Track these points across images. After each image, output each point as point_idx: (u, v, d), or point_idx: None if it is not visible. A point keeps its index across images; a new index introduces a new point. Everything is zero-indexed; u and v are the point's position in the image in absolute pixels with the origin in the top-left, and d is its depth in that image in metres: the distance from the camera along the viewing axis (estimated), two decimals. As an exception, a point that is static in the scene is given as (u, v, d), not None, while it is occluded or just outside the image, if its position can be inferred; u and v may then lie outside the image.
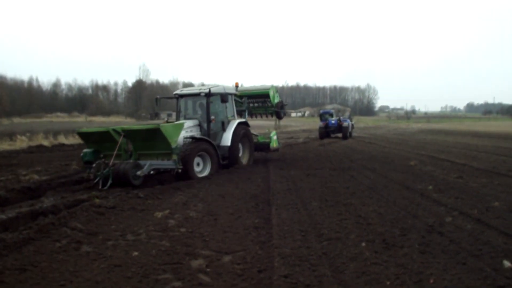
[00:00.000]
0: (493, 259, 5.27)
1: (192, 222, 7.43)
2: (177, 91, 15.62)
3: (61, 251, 5.88)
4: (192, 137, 13.30)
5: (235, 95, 16.37)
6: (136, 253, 5.76)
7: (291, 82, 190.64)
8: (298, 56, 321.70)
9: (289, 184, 11.16)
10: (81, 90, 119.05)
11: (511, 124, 78.77)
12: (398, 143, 28.21)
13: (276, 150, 18.71)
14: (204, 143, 13.29)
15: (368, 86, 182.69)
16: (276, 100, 18.50)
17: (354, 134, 39.36)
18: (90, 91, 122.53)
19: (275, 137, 18.21)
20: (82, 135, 12.72)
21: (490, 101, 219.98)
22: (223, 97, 14.30)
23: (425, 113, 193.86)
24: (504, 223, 6.89)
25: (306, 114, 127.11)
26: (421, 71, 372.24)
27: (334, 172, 13.36)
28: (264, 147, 17.79)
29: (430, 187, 10.35)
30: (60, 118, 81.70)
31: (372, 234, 6.46)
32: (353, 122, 40.55)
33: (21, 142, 24.14)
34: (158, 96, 16.66)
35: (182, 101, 15.27)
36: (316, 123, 44.09)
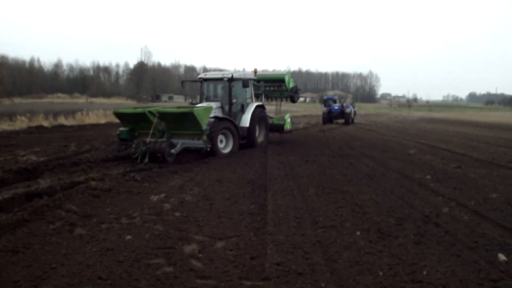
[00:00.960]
0: (488, 252, 5.25)
1: (187, 206, 7.40)
2: (201, 75, 16.86)
3: (54, 233, 5.87)
4: (216, 117, 14.31)
5: (254, 80, 17.44)
6: (129, 236, 5.75)
7: (293, 68, 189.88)
8: (300, 41, 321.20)
9: (287, 170, 11.10)
10: (82, 71, 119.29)
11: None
12: (399, 131, 28.16)
13: (290, 131, 19.92)
14: (227, 122, 14.57)
15: (370, 73, 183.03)
16: (291, 85, 19.81)
17: (355, 120, 40.50)
18: (91, 72, 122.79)
19: (289, 120, 19.57)
20: (118, 115, 14.13)
21: (493, 91, 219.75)
22: (245, 82, 15.55)
23: (427, 102, 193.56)
24: (501, 216, 6.86)
25: (308, 99, 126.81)
26: (424, 59, 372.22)
27: (333, 159, 13.30)
28: (278, 128, 19.08)
29: (428, 176, 10.31)
30: (61, 99, 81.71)
31: (367, 223, 6.44)
32: (355, 109, 41.94)
33: (21, 123, 23.98)
34: (184, 80, 18.54)
35: (205, 85, 16.50)
36: (317, 109, 45.89)
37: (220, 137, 14.09)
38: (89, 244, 5.48)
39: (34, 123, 24.39)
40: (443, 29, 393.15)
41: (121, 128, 13.67)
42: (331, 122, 36.40)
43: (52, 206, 6.96)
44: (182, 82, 18.13)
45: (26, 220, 6.26)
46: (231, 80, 15.37)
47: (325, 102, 39.62)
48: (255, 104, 16.80)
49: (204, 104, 15.14)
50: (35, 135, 19.98)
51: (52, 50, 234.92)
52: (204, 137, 12.56)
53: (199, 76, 16.99)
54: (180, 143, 12.59)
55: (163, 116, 13.04)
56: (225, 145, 14.41)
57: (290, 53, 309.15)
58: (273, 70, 27.68)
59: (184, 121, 12.71)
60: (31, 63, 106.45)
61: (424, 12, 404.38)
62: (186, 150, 12.93)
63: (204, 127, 12.52)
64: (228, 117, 14.95)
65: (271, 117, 19.17)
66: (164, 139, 12.67)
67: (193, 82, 19.29)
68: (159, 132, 13.18)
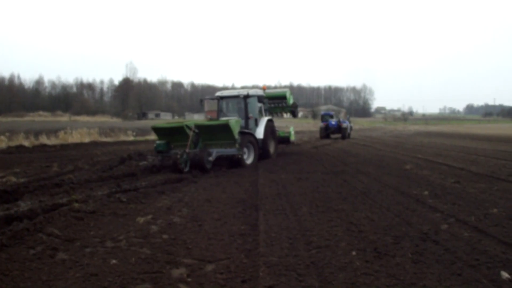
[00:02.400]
0: (490, 269, 5.06)
1: (176, 228, 7.19)
2: (218, 94, 18.99)
3: (35, 258, 5.61)
4: (241, 131, 15.95)
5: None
6: (114, 261, 5.52)
7: (284, 82, 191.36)
8: (291, 56, 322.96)
9: (279, 189, 10.94)
10: (65, 88, 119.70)
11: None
12: (394, 146, 28.08)
13: (293, 142, 22.68)
14: (250, 136, 16.70)
15: (364, 86, 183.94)
16: (291, 101, 22.23)
17: (351, 135, 42.35)
18: (74, 89, 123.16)
19: (293, 132, 22.03)
20: (157, 129, 15.96)
21: (491, 102, 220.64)
22: (260, 98, 18.42)
23: (423, 115, 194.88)
24: (503, 231, 6.67)
25: (300, 115, 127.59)
26: (419, 71, 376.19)
27: (327, 176, 13.13)
28: (285, 140, 21.43)
29: (426, 192, 10.13)
30: (42, 117, 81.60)
31: (363, 242, 6.24)
32: (351, 124, 44.24)
33: (0, 142, 23.83)
34: (202, 98, 21.38)
35: (223, 102, 18.69)
36: (310, 124, 48.40)
37: (244, 149, 15.91)
38: (72, 270, 5.24)
39: (14, 143, 24.32)
40: (438, 40, 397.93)
41: (158, 142, 15.43)
42: (328, 137, 38.26)
43: (33, 230, 6.68)
44: (201, 100, 21.04)
45: (4, 245, 5.98)
46: (247, 97, 17.56)
47: (322, 117, 42.25)
48: (266, 118, 18.84)
49: (235, 117, 17.03)
50: (15, 155, 19.83)
51: (33, 66, 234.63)
52: (237, 145, 14.72)
53: (217, 94, 19.00)
54: (215, 152, 14.50)
55: (199, 128, 15.01)
56: (247, 156, 16.30)
57: (280, 68, 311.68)
58: (275, 87, 30.62)
59: (218, 132, 14.73)
60: (11, 79, 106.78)
61: (418, 24, 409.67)
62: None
63: (236, 136, 14.64)
64: (250, 131, 17.00)
65: (277, 130, 20.58)
66: (203, 149, 14.58)
67: (211, 99, 20.50)
68: (192, 143, 14.84)
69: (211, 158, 14.20)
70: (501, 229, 6.84)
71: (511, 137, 36.61)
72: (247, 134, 16.33)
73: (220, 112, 18.66)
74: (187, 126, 14.89)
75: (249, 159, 16.29)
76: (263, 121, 18.37)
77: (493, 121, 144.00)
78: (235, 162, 15.39)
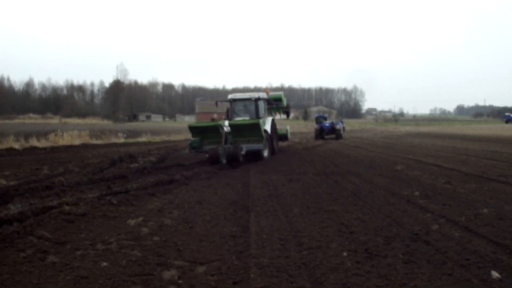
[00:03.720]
0: (480, 269, 5.10)
1: (167, 230, 7.16)
2: (231, 97, 21.24)
3: (25, 261, 5.57)
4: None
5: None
6: (105, 263, 5.49)
7: (275, 84, 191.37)
8: (282, 58, 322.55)
9: (270, 190, 10.95)
10: (55, 91, 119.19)
11: (502, 127, 79.20)
12: (385, 147, 28.10)
13: (288, 139, 26.47)
14: (267, 133, 19.02)
15: (355, 88, 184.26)
16: (285, 103, 25.02)
17: (344, 136, 44.75)
18: (65, 91, 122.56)
19: (289, 130, 25.20)
20: (192, 128, 18.40)
21: (481, 103, 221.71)
22: (269, 101, 22.00)
23: (414, 116, 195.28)
24: (493, 231, 6.70)
25: (291, 116, 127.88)
26: (410, 73, 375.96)
27: (318, 177, 13.14)
28: (283, 137, 24.54)
29: (417, 193, 10.15)
30: (32, 120, 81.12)
31: (354, 243, 6.25)
32: (344, 125, 47.63)
33: (-11, 145, 23.62)
34: (218, 100, 23.67)
35: (235, 104, 20.90)
36: (301, 126, 50.97)
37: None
38: (63, 273, 5.21)
39: (3, 145, 24.00)
40: (429, 41, 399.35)
41: (192, 139, 18.01)
42: (322, 138, 40.42)
43: (23, 233, 6.63)
44: (217, 103, 23.37)
45: (-6, 248, 5.93)
46: (258, 99, 20.21)
47: (317, 119, 44.84)
48: (271, 118, 21.67)
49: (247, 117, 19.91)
50: (4, 158, 19.58)
51: (24, 68, 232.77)
52: (264, 141, 17.66)
53: (229, 97, 21.21)
54: (245, 147, 17.25)
55: (232, 127, 17.32)
56: (265, 151, 18.90)
57: (271, 69, 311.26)
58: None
59: (247, 130, 17.13)
60: (1, 81, 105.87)
61: (408, 26, 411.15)
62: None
63: (263, 134, 17.42)
64: (266, 129, 19.00)
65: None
66: (235, 144, 17.04)
67: (225, 102, 22.11)
68: (223, 140, 17.53)
69: (242, 152, 16.95)
70: (492, 228, 6.87)
71: (501, 138, 36.71)
72: (265, 132, 18.51)
73: (232, 112, 20.71)
74: (220, 126, 17.64)
75: (265, 152, 18.82)
76: (269, 121, 20.66)
77: (483, 121, 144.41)
78: (255, 155, 18.04)
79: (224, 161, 16.21)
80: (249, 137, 17.23)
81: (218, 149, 16.56)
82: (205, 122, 19.27)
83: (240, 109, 20.83)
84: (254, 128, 16.99)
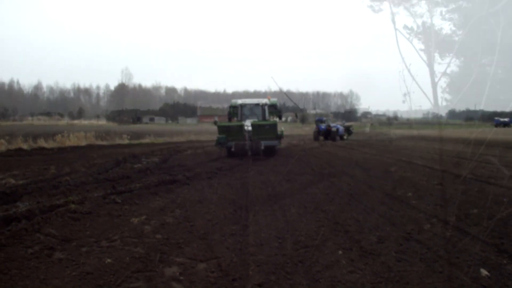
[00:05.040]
0: (470, 267, 5.27)
1: (169, 228, 7.31)
2: (240, 102, 24.61)
3: (32, 257, 5.73)
4: None
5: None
6: (109, 260, 5.65)
7: (274, 88, 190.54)
8: (281, 62, 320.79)
9: (269, 190, 11.08)
10: (62, 93, 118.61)
11: (490, 130, 79.01)
12: (380, 149, 28.10)
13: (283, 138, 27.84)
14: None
15: (351, 92, 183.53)
16: (279, 108, 26.61)
17: (350, 138, 45.28)
18: (72, 94, 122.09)
19: (284, 131, 26.30)
20: (220, 126, 20.51)
21: (472, 108, 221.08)
22: (275, 106, 24.50)
23: (407, 119, 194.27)
24: (482, 231, 6.88)
25: (289, 119, 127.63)
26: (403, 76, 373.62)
27: (314, 178, 13.30)
28: (281, 137, 24.97)
29: (410, 193, 10.32)
30: (41, 121, 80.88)
31: (349, 242, 6.42)
32: (351, 128, 49.97)
33: (0, 146, 23.63)
34: (229, 105, 26.08)
35: (244, 108, 23.95)
36: (298, 128, 53.52)
37: None
38: (68, 269, 5.37)
39: (13, 146, 23.97)
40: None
41: (219, 136, 20.13)
42: (325, 139, 41.62)
43: (31, 230, 6.79)
44: (229, 107, 25.60)
45: (3, 244, 6.11)
46: (265, 105, 23.58)
47: (316, 122, 47.23)
48: (276, 120, 23.62)
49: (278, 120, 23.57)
50: (14, 158, 19.58)
51: (32, 72, 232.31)
52: (278, 139, 20.72)
53: (239, 102, 24.53)
54: (263, 143, 19.93)
55: (253, 127, 19.73)
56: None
57: (271, 73, 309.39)
58: (265, 92, 35.16)
59: (266, 129, 19.75)
60: (11, 85, 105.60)
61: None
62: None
63: (278, 133, 20.44)
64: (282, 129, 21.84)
65: None
66: (256, 140, 19.80)
67: (234, 106, 24.81)
68: (243, 137, 19.97)
69: (262, 147, 19.88)
70: (481, 228, 7.05)
71: (491, 141, 36.79)
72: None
73: (242, 115, 23.70)
74: (242, 126, 20.04)
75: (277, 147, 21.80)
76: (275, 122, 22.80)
77: (475, 125, 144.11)
78: (269, 151, 20.51)
79: (249, 153, 19.74)
80: (267, 135, 19.88)
81: (245, 144, 19.86)
82: (230, 123, 22.37)
83: (247, 112, 23.83)
84: (272, 128, 19.83)
